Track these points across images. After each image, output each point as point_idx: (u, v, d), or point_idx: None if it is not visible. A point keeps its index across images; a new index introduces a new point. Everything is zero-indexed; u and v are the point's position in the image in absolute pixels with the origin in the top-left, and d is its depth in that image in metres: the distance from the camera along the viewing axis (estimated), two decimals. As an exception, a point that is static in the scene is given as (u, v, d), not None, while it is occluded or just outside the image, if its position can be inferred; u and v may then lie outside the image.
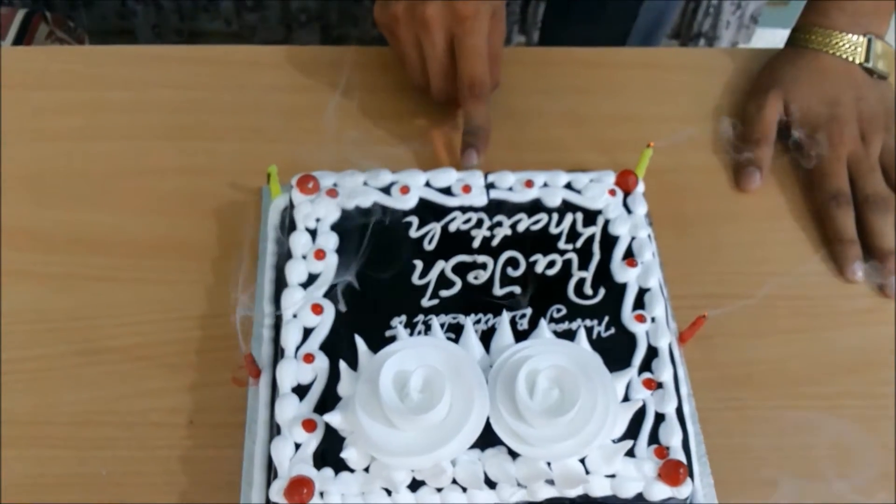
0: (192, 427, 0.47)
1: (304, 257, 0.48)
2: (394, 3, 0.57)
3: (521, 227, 0.50)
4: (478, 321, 0.46)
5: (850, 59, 0.62)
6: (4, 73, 0.63)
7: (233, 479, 0.45)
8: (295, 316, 0.46)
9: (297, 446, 0.41)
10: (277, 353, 0.46)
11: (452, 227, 0.50)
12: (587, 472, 0.41)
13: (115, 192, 0.57)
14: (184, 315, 0.51)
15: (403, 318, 0.46)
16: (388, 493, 0.40)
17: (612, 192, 0.52)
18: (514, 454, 0.41)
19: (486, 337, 0.45)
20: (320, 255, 0.48)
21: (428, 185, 0.51)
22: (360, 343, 0.44)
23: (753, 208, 0.60)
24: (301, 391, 0.43)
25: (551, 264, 0.49)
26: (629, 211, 0.51)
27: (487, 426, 0.41)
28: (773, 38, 0.69)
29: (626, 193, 0.52)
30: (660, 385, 0.45)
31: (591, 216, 0.51)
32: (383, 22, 0.59)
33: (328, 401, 0.43)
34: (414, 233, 0.50)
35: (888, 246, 0.56)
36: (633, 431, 0.43)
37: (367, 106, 0.63)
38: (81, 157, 0.59)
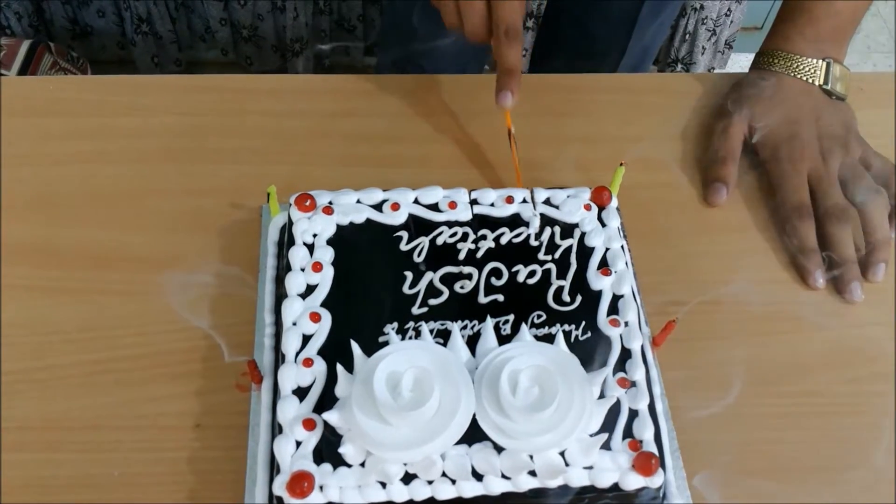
0: (198, 430, 0.50)
1: (303, 270, 0.51)
2: None
3: (503, 240, 0.54)
4: (464, 327, 0.49)
5: (811, 81, 0.66)
6: (17, 101, 0.66)
7: (237, 478, 0.48)
8: (294, 324, 0.49)
9: (298, 444, 0.44)
10: (278, 359, 0.49)
11: (440, 241, 0.53)
12: (566, 464, 0.44)
13: (123, 212, 0.60)
14: (189, 325, 0.54)
15: (395, 324, 0.49)
16: (383, 486, 0.43)
17: (588, 207, 0.55)
18: (499, 448, 0.44)
19: (472, 341, 0.49)
20: (317, 267, 0.51)
21: (416, 202, 0.55)
22: (356, 347, 0.47)
23: (721, 221, 0.63)
24: (301, 393, 0.46)
25: (532, 274, 0.52)
26: (603, 224, 0.55)
27: (474, 423, 0.44)
28: (747, 62, 0.73)
29: (601, 208, 0.56)
30: (633, 384, 0.48)
31: (568, 229, 0.54)
32: None
33: (326, 401, 0.46)
34: (404, 246, 0.53)
35: (848, 254, 0.60)
36: (608, 426, 0.46)
37: (360, 130, 0.67)
38: (91, 179, 0.62)
